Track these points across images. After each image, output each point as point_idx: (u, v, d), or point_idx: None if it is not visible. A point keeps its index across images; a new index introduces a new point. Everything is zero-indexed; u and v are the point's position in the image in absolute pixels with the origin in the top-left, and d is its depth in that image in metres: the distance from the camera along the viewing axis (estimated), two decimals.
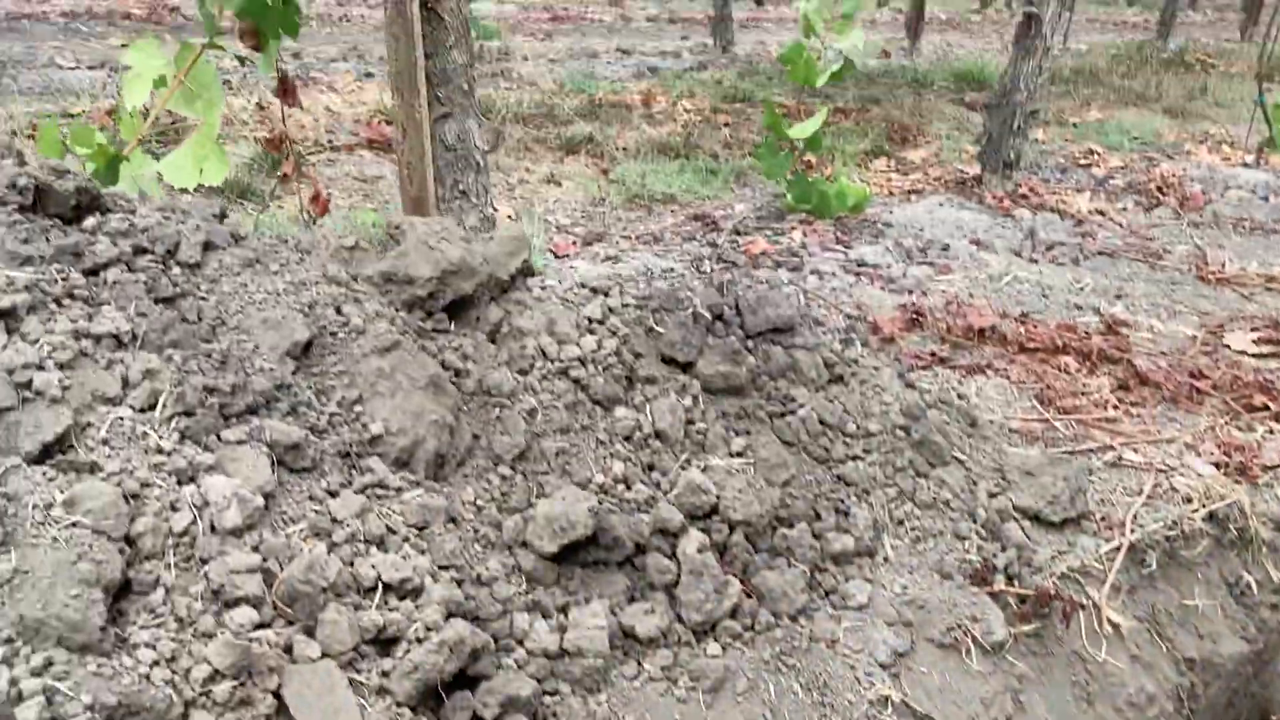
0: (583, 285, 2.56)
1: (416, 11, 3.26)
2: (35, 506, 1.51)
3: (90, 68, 7.95)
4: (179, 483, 1.67)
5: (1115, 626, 2.41)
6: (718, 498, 2.21)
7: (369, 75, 8.39)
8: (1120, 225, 5.15)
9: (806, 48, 4.81)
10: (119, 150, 2.75)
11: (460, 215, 3.67)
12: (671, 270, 4.36)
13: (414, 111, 3.38)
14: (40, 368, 1.63)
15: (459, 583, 1.84)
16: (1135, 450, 2.94)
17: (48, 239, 1.80)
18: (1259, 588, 2.72)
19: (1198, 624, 2.60)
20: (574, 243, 4.73)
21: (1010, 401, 3.16)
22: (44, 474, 1.56)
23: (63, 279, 1.76)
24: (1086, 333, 3.64)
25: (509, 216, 5.04)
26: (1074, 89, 10.00)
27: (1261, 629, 2.72)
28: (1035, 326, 3.67)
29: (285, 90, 2.98)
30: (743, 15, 15.15)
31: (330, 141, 5.97)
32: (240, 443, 1.76)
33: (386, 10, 3.30)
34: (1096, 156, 7.04)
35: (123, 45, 8.80)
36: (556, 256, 4.51)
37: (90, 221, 1.89)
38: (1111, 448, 2.94)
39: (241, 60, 2.88)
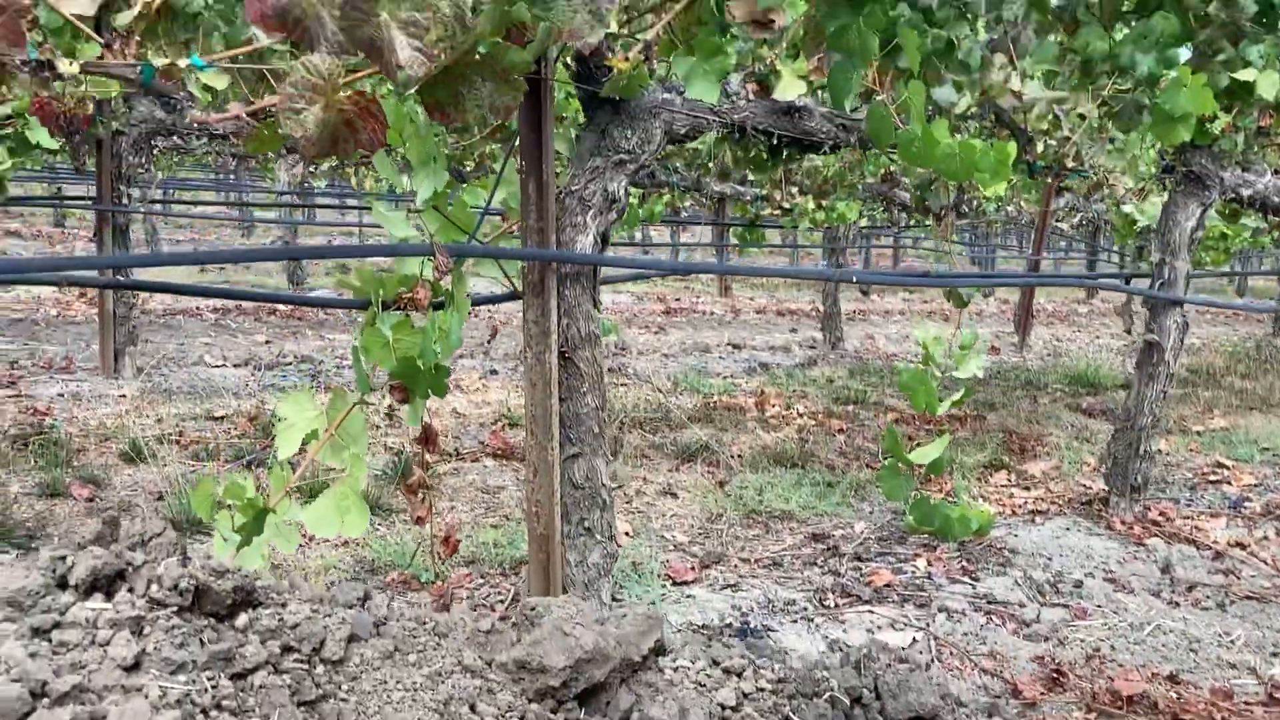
0: (715, 664, 2.50)
1: (555, 361, 3.41)
2: None
3: (235, 365, 8.46)
4: None
5: None
6: None
7: (493, 372, 8.75)
8: (1265, 562, 4.90)
9: (925, 375, 4.86)
10: (266, 503, 2.85)
11: (584, 552, 3.68)
12: (794, 602, 4.27)
13: (546, 453, 3.47)
14: None
15: None
16: None
17: (202, 642, 1.84)
18: None
19: None
20: (691, 566, 4.68)
21: None
22: None
23: (213, 686, 1.78)
24: (1245, 702, 3.39)
25: (626, 533, 5.05)
26: (1193, 391, 9.87)
27: None
28: (1187, 690, 3.43)
29: (427, 439, 3.10)
30: (849, 307, 15.59)
31: (457, 450, 6.15)
32: None
33: (526, 358, 3.46)
34: (1226, 471, 6.83)
35: (266, 342, 9.40)
36: (675, 583, 4.46)
37: (243, 619, 1.93)
38: None
39: (389, 414, 3.01)
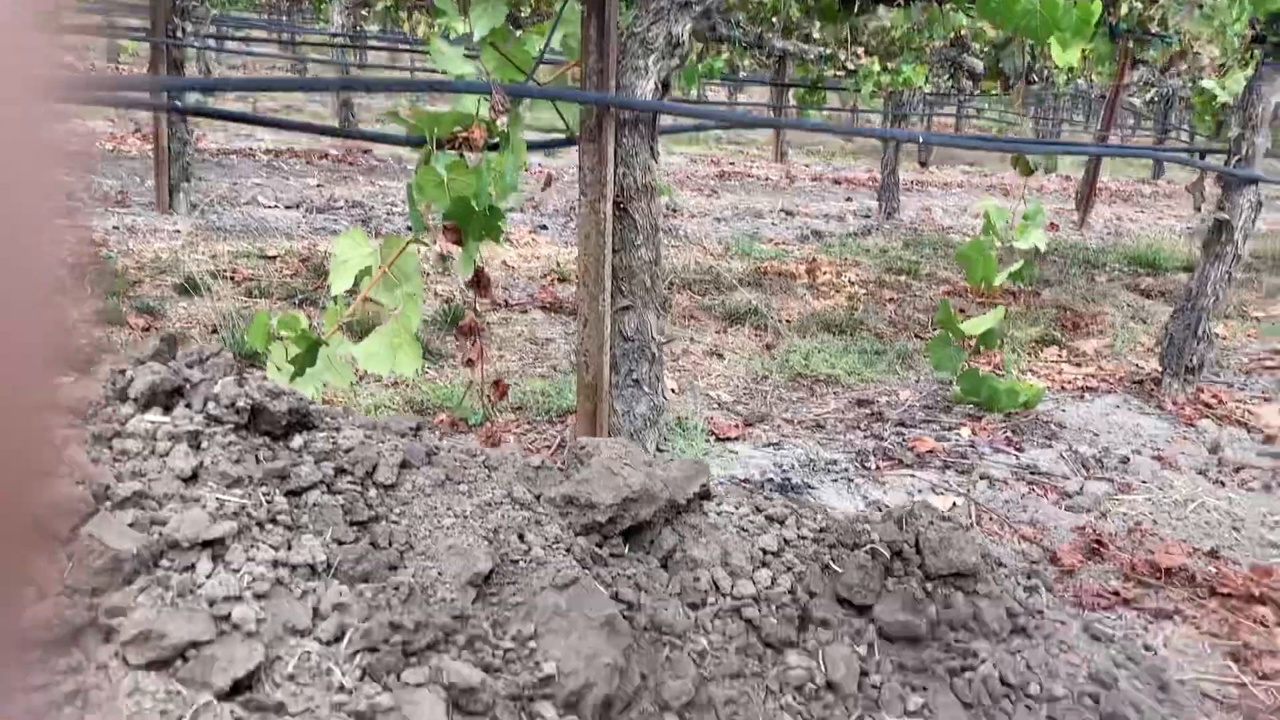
0: (759, 510, 2.52)
1: (610, 211, 3.36)
2: None
3: (288, 207, 8.48)
4: None
5: None
6: None
7: (543, 228, 8.71)
8: None
9: (985, 246, 4.76)
10: (320, 336, 2.87)
11: (631, 403, 3.70)
12: (835, 463, 4.29)
13: (598, 304, 3.46)
14: (239, 599, 1.67)
15: None
16: None
17: (257, 459, 1.87)
18: None
19: None
20: (735, 424, 4.70)
21: (1201, 657, 2.94)
22: (231, 712, 1.58)
23: (268, 502, 1.81)
24: None
25: (672, 389, 5.07)
26: (1256, 277, 9.62)
27: None
28: (1227, 566, 3.43)
29: (480, 284, 3.09)
30: (907, 178, 15.24)
31: (506, 300, 6.16)
32: (419, 685, 1.75)
33: (580, 207, 3.41)
34: None
35: (318, 186, 9.39)
36: (718, 439, 4.49)
37: (298, 440, 1.95)
38: None
39: (442, 257, 2.99)
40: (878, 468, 4.26)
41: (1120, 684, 2.43)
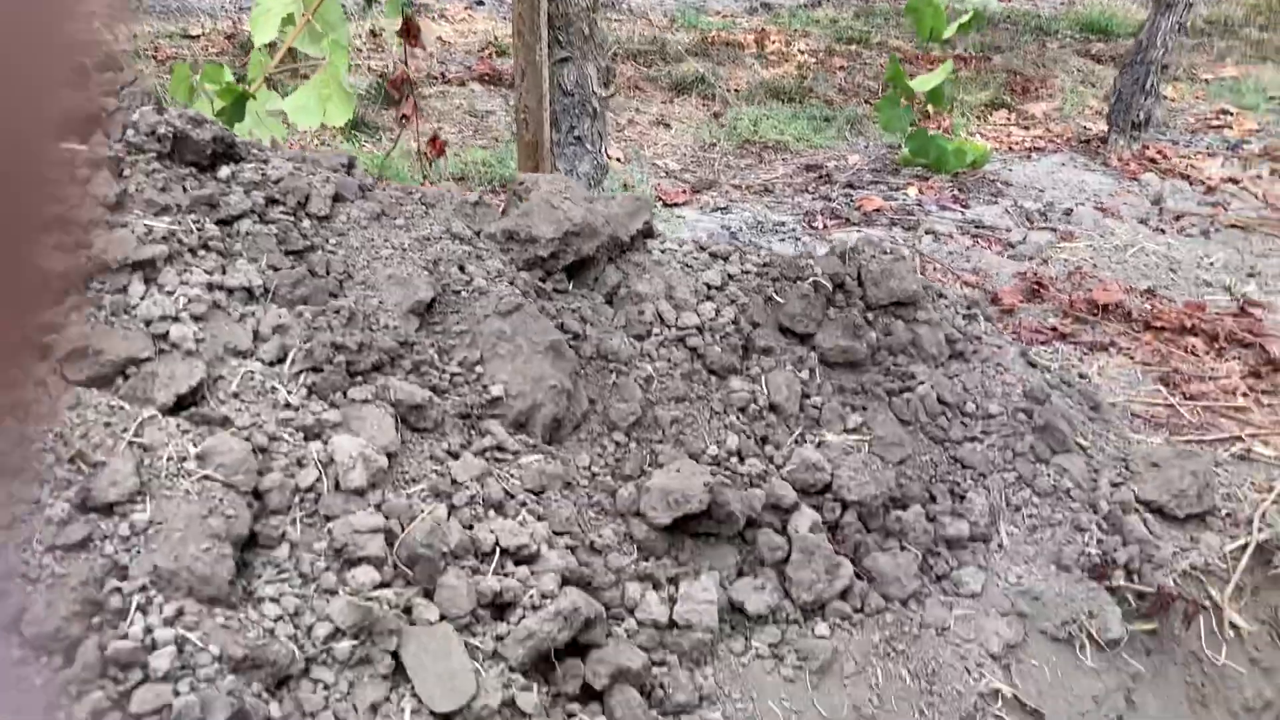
0: (702, 249, 2.52)
1: None
2: (170, 459, 1.54)
3: None
4: (305, 439, 1.68)
5: (1236, 629, 2.32)
6: (832, 475, 2.17)
7: (479, 3, 8.34)
8: (1255, 195, 4.89)
9: None
10: (246, 88, 2.76)
11: (574, 162, 3.64)
12: (783, 224, 4.29)
13: (534, 55, 3.34)
14: (176, 319, 1.65)
15: (573, 550, 1.84)
16: (1265, 443, 2.82)
17: (184, 188, 1.82)
18: None
19: None
20: (683, 190, 4.66)
21: (1134, 384, 3.05)
22: (178, 426, 1.59)
23: (198, 229, 1.78)
24: (1216, 313, 3.49)
25: (617, 159, 4.99)
26: (1207, 41, 9.51)
27: None
28: (1161, 303, 3.52)
29: (409, 31, 2.96)
30: None
31: (443, 74, 5.96)
32: (366, 401, 1.77)
33: None
34: (1230, 118, 6.69)
35: None
36: (665, 205, 4.46)
37: (225, 171, 1.90)
38: (1240, 439, 2.82)
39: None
40: (825, 226, 4.27)
41: (1053, 399, 2.51)
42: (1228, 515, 2.51)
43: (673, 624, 1.88)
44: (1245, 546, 2.43)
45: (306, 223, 1.94)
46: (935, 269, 3.81)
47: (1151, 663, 2.21)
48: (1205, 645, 2.29)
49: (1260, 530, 2.47)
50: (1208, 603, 2.31)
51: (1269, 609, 2.44)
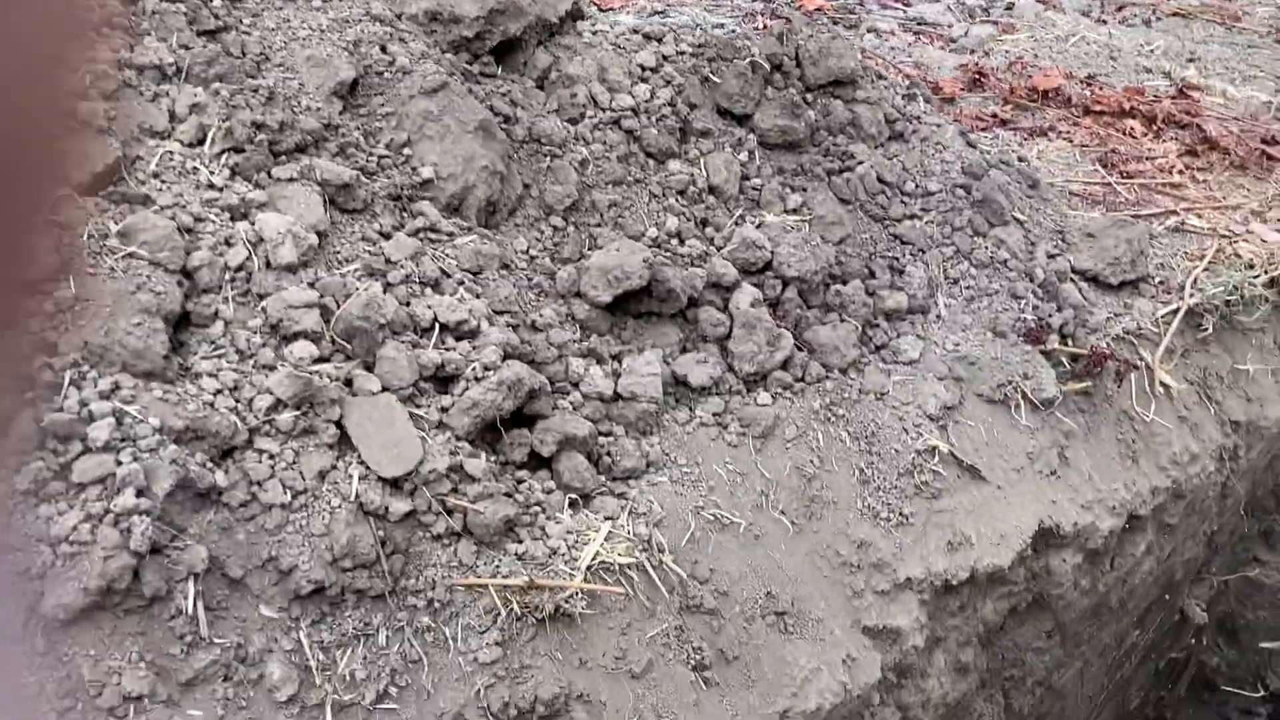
0: (635, 31, 2.45)
1: None
2: (91, 236, 1.50)
3: None
4: (232, 219, 1.65)
5: (1166, 388, 2.40)
6: (772, 254, 2.17)
7: None
8: None
9: None
10: None
11: None
12: (721, 26, 4.18)
13: None
14: (84, 97, 1.58)
15: (514, 328, 1.84)
16: (1199, 216, 2.86)
17: None
18: None
19: (1247, 388, 2.59)
20: None
21: (1072, 165, 3.06)
22: (96, 204, 1.54)
23: (100, 6, 1.69)
24: (1155, 96, 3.48)
25: None
26: None
27: None
28: (1101, 89, 3.51)
29: None
30: None
31: None
32: (291, 180, 1.73)
33: None
34: None
35: None
36: (601, 10, 4.32)
37: None
38: (1175, 213, 2.86)
39: None
40: (765, 28, 4.16)
41: (991, 175, 2.52)
42: (1161, 283, 2.57)
43: (618, 396, 1.90)
44: (1176, 311, 2.49)
45: (217, 2, 1.85)
46: (877, 63, 3.75)
47: (1084, 421, 2.28)
48: (1136, 404, 2.36)
49: (1191, 295, 2.53)
50: (1139, 364, 2.37)
51: (1198, 370, 2.52)
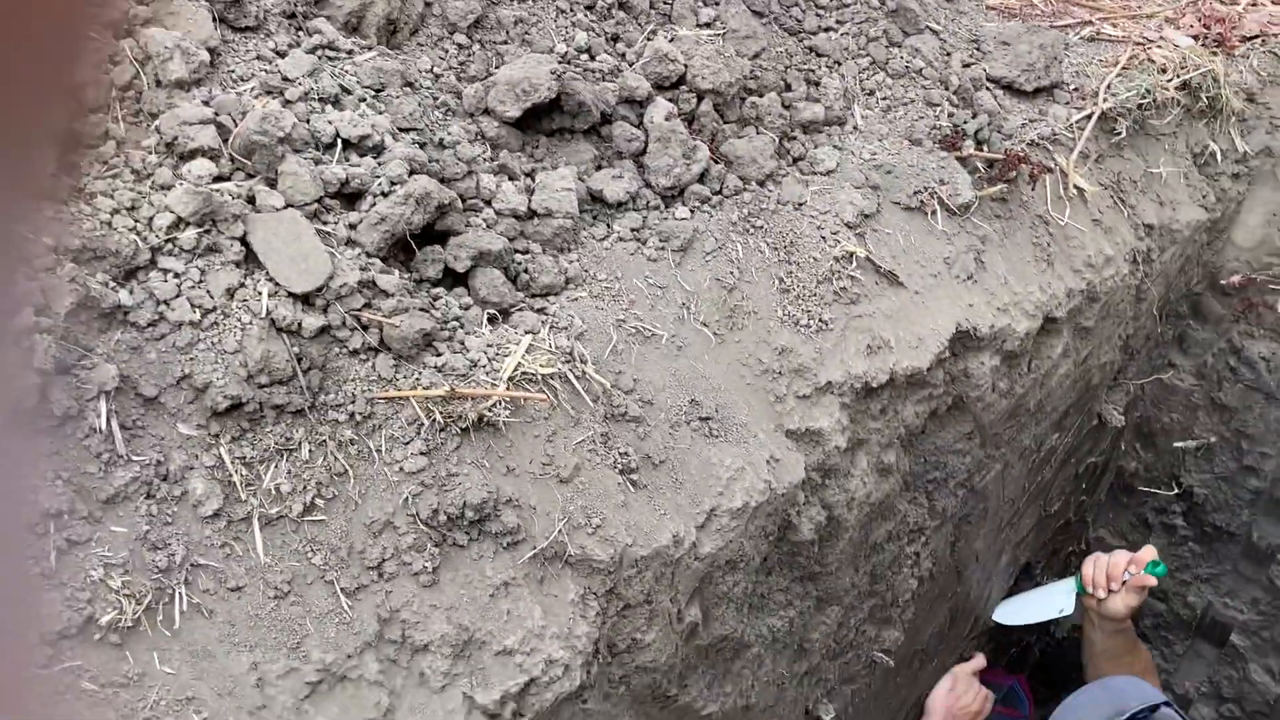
0: None
1: None
2: None
3: None
4: (115, 36, 1.58)
5: (1080, 191, 2.43)
6: (686, 67, 2.14)
7: None
8: None
9: None
10: None
11: None
12: None
13: None
14: None
15: (421, 145, 1.80)
16: (1114, 25, 2.85)
17: None
18: (1222, 157, 2.74)
19: (1160, 192, 2.63)
20: None
21: None
22: None
23: None
24: None
25: None
26: None
27: (1220, 198, 2.77)
28: None
29: None
30: None
31: None
32: None
33: None
34: None
35: None
36: None
37: None
38: (1090, 23, 2.85)
39: None
40: None
41: None
42: (1075, 89, 2.57)
43: (533, 213, 1.88)
44: (1090, 116, 2.51)
45: None
46: None
47: (1000, 226, 2.31)
48: (1051, 208, 2.39)
49: (1105, 100, 2.54)
50: (1054, 167, 2.40)
51: (1111, 174, 2.55)
